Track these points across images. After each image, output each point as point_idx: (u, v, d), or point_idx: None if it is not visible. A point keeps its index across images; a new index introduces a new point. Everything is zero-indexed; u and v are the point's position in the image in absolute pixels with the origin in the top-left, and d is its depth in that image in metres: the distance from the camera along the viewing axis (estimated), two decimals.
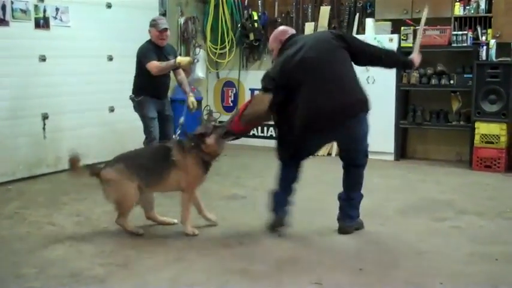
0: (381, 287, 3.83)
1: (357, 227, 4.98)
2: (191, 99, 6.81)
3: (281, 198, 4.91)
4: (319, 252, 4.50)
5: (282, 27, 5.21)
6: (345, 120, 4.63)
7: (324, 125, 4.58)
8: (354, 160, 4.94)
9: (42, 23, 7.15)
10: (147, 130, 6.61)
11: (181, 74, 6.91)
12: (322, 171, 7.71)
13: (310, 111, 4.54)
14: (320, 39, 4.84)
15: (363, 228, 5.01)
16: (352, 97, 4.67)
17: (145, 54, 6.45)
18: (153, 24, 6.58)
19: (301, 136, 4.68)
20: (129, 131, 7.50)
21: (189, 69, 6.75)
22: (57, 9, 7.30)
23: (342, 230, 4.90)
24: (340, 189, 5.00)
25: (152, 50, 6.49)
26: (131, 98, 6.68)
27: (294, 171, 5.00)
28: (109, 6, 8.01)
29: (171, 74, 6.82)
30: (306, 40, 4.83)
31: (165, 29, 6.56)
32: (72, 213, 5.54)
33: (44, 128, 7.23)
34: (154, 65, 6.31)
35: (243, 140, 9.73)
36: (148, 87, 6.54)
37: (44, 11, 7.15)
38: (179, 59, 6.32)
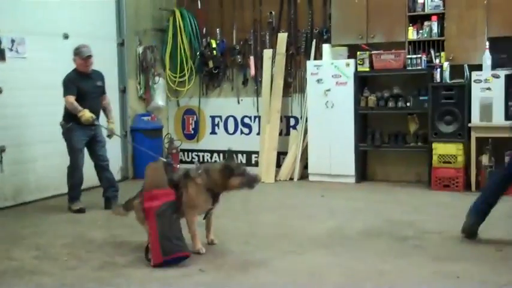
0: None
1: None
2: (110, 126, 7.04)
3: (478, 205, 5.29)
4: (283, 276, 4.47)
5: None
6: None
7: None
8: None
9: None
10: (72, 158, 6.87)
11: (106, 100, 7.14)
12: (283, 196, 7.74)
13: None
14: None
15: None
16: None
17: (66, 85, 6.73)
18: (77, 52, 6.78)
19: None
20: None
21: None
22: (12, 41, 7.21)
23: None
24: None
25: (74, 80, 6.74)
26: (61, 124, 6.87)
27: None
28: (66, 37, 7.96)
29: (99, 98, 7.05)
30: None
31: (89, 57, 6.77)
32: (32, 247, 5.40)
33: (0, 161, 7.08)
34: (69, 101, 6.66)
35: None
36: (74, 115, 6.68)
37: (0, 42, 7.06)
38: (82, 112, 6.60)
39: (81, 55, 6.74)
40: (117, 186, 7.16)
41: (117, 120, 8.83)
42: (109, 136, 7.08)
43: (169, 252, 4.68)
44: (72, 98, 6.65)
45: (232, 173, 5.02)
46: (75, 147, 6.83)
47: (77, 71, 6.85)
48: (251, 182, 5.13)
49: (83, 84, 6.78)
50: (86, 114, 6.63)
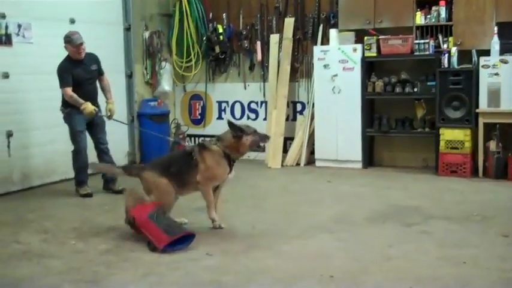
0: None
1: None
2: (109, 106, 6.98)
3: None
4: (288, 261, 4.49)
5: None
6: None
7: None
8: None
9: (4, 40, 7.05)
10: (75, 141, 6.90)
11: (104, 81, 7.09)
12: (290, 181, 7.75)
13: None
14: None
15: None
16: None
17: (61, 75, 6.72)
18: (68, 40, 6.73)
19: None
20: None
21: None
22: (19, 26, 7.21)
23: None
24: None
25: (69, 69, 6.71)
26: (61, 110, 6.91)
27: None
28: (72, 21, 7.93)
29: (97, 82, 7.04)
30: None
31: (81, 44, 6.71)
32: (39, 230, 5.44)
33: (8, 146, 7.10)
34: (68, 93, 6.68)
35: None
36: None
37: (6, 27, 7.06)
38: (84, 105, 6.63)
39: (73, 43, 6.69)
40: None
41: (123, 105, 8.88)
42: (109, 117, 7.03)
43: (174, 233, 4.75)
44: (69, 90, 6.68)
45: (244, 132, 5.21)
46: (76, 129, 6.86)
47: (69, 58, 6.81)
48: (263, 138, 5.37)
49: (77, 72, 6.76)
50: (88, 107, 6.66)
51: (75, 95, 6.68)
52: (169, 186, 5.21)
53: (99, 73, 7.05)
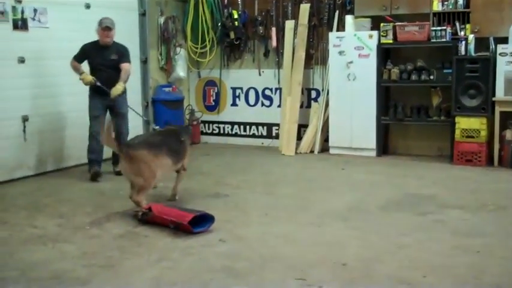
0: (365, 281, 3.84)
1: None
2: (116, 87, 6.94)
3: None
4: (302, 248, 4.50)
5: None
6: None
7: None
8: None
9: (20, 25, 7.08)
10: (90, 125, 7.12)
11: (122, 68, 7.07)
12: (304, 168, 7.75)
13: None
14: None
15: None
16: None
17: (78, 51, 7.03)
18: (99, 23, 6.97)
19: None
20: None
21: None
22: (35, 11, 7.23)
23: None
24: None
25: (87, 49, 7.01)
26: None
27: None
28: (88, 6, 7.96)
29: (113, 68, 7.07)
30: None
31: (107, 27, 6.92)
32: (54, 215, 5.49)
33: (24, 131, 7.15)
34: (72, 64, 6.99)
35: (224, 139, 9.82)
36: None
37: (22, 12, 7.08)
38: (82, 75, 6.93)
39: (101, 25, 6.92)
40: None
41: (138, 90, 8.90)
42: (110, 94, 6.98)
43: (196, 211, 4.91)
44: (75, 62, 6.97)
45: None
46: (91, 114, 7.06)
47: (97, 42, 7.03)
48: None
49: (94, 55, 6.99)
50: (86, 77, 6.91)
51: (78, 66, 6.97)
52: (169, 166, 5.72)
53: (119, 61, 7.06)
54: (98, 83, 6.92)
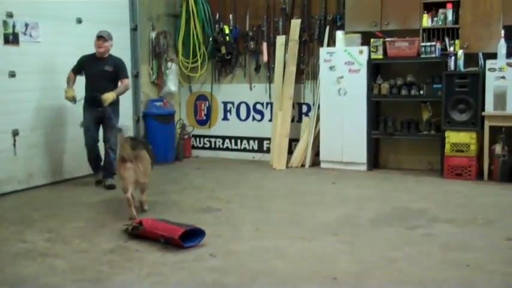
0: None
1: None
2: (107, 94, 7.10)
3: None
4: (293, 262, 4.49)
5: None
6: None
7: None
8: None
9: (11, 39, 7.07)
10: (84, 135, 7.41)
11: (124, 83, 7.41)
12: (294, 183, 7.76)
13: None
14: None
15: None
16: None
17: (76, 63, 7.34)
18: (96, 34, 7.27)
19: None
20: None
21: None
22: (26, 25, 7.23)
23: None
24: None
25: (84, 60, 7.31)
26: None
27: None
28: (79, 21, 7.98)
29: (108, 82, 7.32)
30: None
31: (100, 37, 7.19)
32: (44, 229, 5.46)
33: (14, 145, 7.13)
34: (69, 73, 7.29)
35: (215, 153, 9.83)
36: (86, 95, 7.30)
37: (14, 26, 7.08)
38: (65, 89, 7.19)
39: (97, 35, 7.24)
40: (112, 171, 7.27)
41: (129, 105, 8.90)
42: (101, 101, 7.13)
43: (186, 226, 4.90)
44: (71, 73, 7.28)
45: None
46: (84, 125, 7.42)
47: (94, 54, 7.32)
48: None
49: (89, 65, 7.28)
50: (68, 92, 7.19)
51: (70, 78, 7.27)
52: None
53: (118, 77, 7.32)
54: (77, 102, 7.23)
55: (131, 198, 5.71)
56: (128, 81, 7.53)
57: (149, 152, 6.26)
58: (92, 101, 7.17)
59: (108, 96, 7.05)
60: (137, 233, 5.03)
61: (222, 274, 4.21)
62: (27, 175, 7.32)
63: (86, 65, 7.29)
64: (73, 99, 7.19)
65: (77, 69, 7.31)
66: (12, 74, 7.10)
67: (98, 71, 7.23)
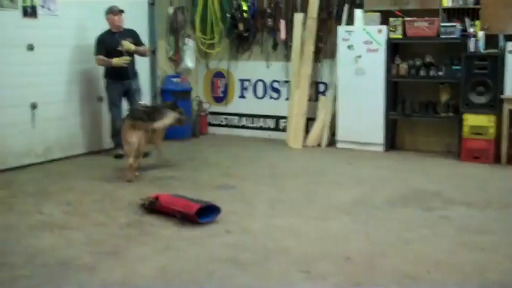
0: (368, 275, 3.86)
1: None
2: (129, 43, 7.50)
3: None
4: (307, 241, 4.52)
5: None
6: None
7: None
8: None
9: (29, 12, 7.09)
10: (109, 110, 7.69)
11: (144, 48, 7.92)
12: (310, 162, 7.75)
13: None
14: None
15: None
16: None
17: (96, 45, 7.44)
18: (109, 10, 7.50)
19: None
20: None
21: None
22: None
23: None
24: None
25: (104, 41, 7.41)
26: (103, 79, 7.72)
27: None
28: None
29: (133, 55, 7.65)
30: None
31: (121, 11, 7.44)
32: (61, 202, 5.53)
33: (32, 118, 7.18)
34: (99, 59, 7.44)
35: (231, 131, 9.83)
36: (110, 71, 7.53)
37: None
38: (114, 61, 7.36)
39: (114, 10, 7.43)
40: None
41: (147, 80, 8.91)
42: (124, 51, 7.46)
43: (203, 202, 4.94)
44: (100, 57, 7.40)
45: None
46: (110, 100, 7.63)
47: (109, 30, 7.49)
48: None
49: (111, 42, 7.39)
50: (119, 61, 7.33)
51: (105, 59, 7.36)
52: None
53: (136, 44, 7.58)
54: (127, 56, 7.45)
55: (132, 163, 6.33)
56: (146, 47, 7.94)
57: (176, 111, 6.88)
58: (119, 75, 7.45)
59: (130, 45, 7.42)
60: (153, 208, 5.07)
61: (236, 251, 4.25)
62: (45, 148, 7.38)
63: (108, 43, 7.40)
64: (128, 60, 7.42)
65: (102, 50, 7.39)
66: (30, 47, 7.12)
67: (118, 46, 7.41)
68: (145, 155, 7.20)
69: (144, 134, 6.40)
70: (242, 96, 9.83)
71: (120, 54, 7.38)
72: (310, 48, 8.81)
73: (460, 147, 7.72)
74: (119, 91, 7.58)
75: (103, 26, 7.47)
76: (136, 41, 7.62)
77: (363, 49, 8.25)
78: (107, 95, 7.68)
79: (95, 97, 7.98)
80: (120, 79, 7.51)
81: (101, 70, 7.73)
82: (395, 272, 3.90)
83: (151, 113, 6.58)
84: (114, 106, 7.60)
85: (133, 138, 6.31)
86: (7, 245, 4.38)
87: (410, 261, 4.09)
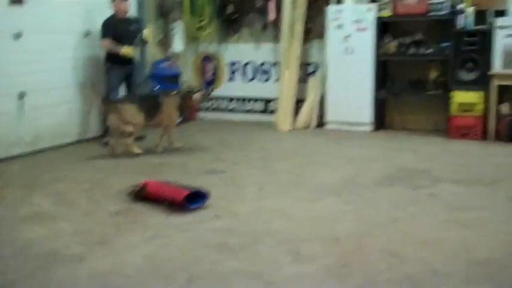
0: (357, 255, 3.87)
1: None
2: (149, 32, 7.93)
3: None
4: (295, 223, 4.53)
5: None
6: None
7: None
8: None
9: None
10: (109, 92, 7.66)
11: None
12: (299, 144, 7.76)
13: None
14: None
15: None
16: None
17: (102, 29, 7.54)
18: None
19: None
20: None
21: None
22: None
23: None
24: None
25: (111, 24, 7.50)
26: (104, 63, 7.75)
27: None
28: None
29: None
30: None
31: None
32: (51, 192, 5.51)
33: (21, 107, 7.13)
34: (104, 44, 7.54)
35: (221, 115, 9.80)
36: (111, 55, 7.57)
37: None
38: (123, 50, 7.46)
39: None
40: None
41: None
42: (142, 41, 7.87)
43: (191, 188, 4.92)
44: (107, 40, 7.48)
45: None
46: (110, 85, 7.65)
47: (115, 16, 7.60)
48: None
49: (119, 28, 7.54)
50: (129, 51, 7.49)
51: (110, 42, 7.45)
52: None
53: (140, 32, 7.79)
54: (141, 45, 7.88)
55: (112, 143, 6.91)
56: None
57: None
58: (122, 59, 7.51)
59: (151, 35, 7.88)
60: (142, 195, 5.07)
61: (226, 235, 4.26)
62: (34, 137, 7.33)
63: (116, 28, 7.51)
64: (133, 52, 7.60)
65: (110, 33, 7.48)
66: (18, 35, 7.03)
67: (127, 33, 7.59)
68: (140, 138, 7.22)
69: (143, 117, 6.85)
70: (231, 80, 9.79)
71: (127, 41, 7.46)
72: (299, 28, 8.77)
73: (449, 124, 7.73)
74: (119, 76, 7.64)
75: (93, 12, 7.46)
76: (137, 30, 7.74)
77: (352, 28, 8.24)
78: (107, 79, 7.70)
79: (84, 84, 7.94)
80: (123, 63, 7.58)
81: (91, 57, 7.74)
82: (383, 251, 3.91)
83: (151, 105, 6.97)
84: (112, 91, 7.59)
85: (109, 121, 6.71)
86: None
87: (398, 240, 4.11)
